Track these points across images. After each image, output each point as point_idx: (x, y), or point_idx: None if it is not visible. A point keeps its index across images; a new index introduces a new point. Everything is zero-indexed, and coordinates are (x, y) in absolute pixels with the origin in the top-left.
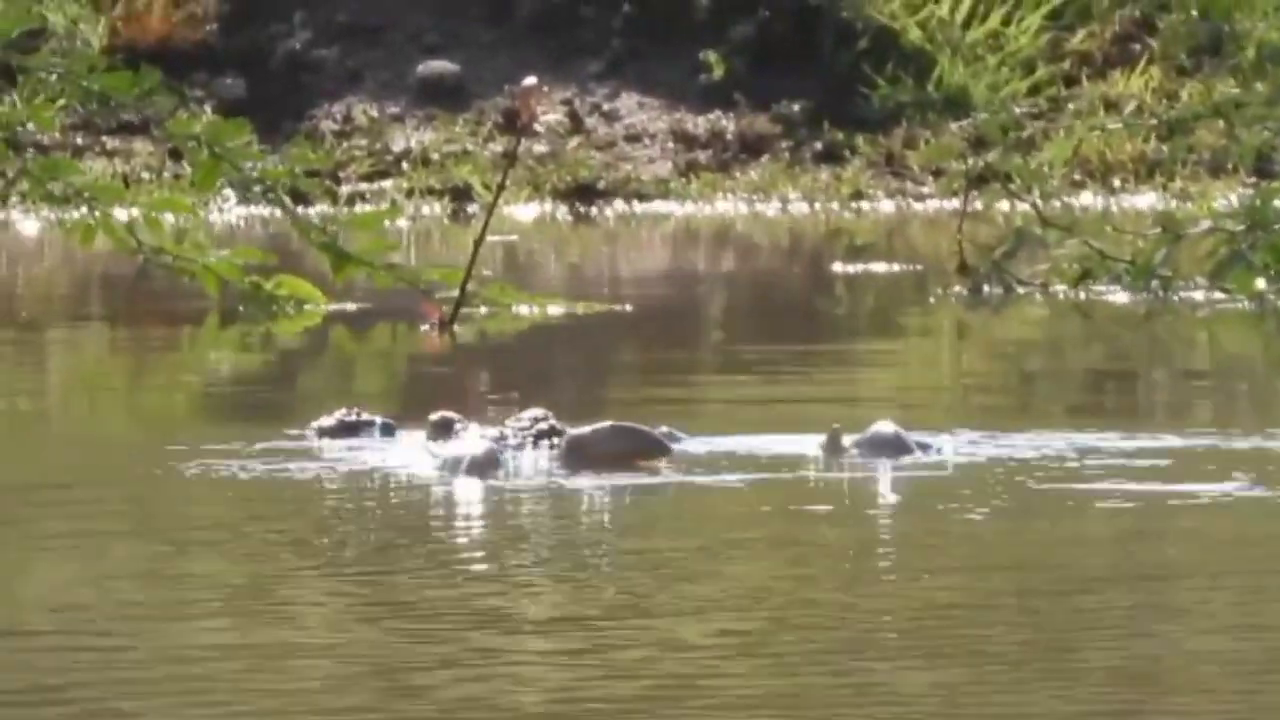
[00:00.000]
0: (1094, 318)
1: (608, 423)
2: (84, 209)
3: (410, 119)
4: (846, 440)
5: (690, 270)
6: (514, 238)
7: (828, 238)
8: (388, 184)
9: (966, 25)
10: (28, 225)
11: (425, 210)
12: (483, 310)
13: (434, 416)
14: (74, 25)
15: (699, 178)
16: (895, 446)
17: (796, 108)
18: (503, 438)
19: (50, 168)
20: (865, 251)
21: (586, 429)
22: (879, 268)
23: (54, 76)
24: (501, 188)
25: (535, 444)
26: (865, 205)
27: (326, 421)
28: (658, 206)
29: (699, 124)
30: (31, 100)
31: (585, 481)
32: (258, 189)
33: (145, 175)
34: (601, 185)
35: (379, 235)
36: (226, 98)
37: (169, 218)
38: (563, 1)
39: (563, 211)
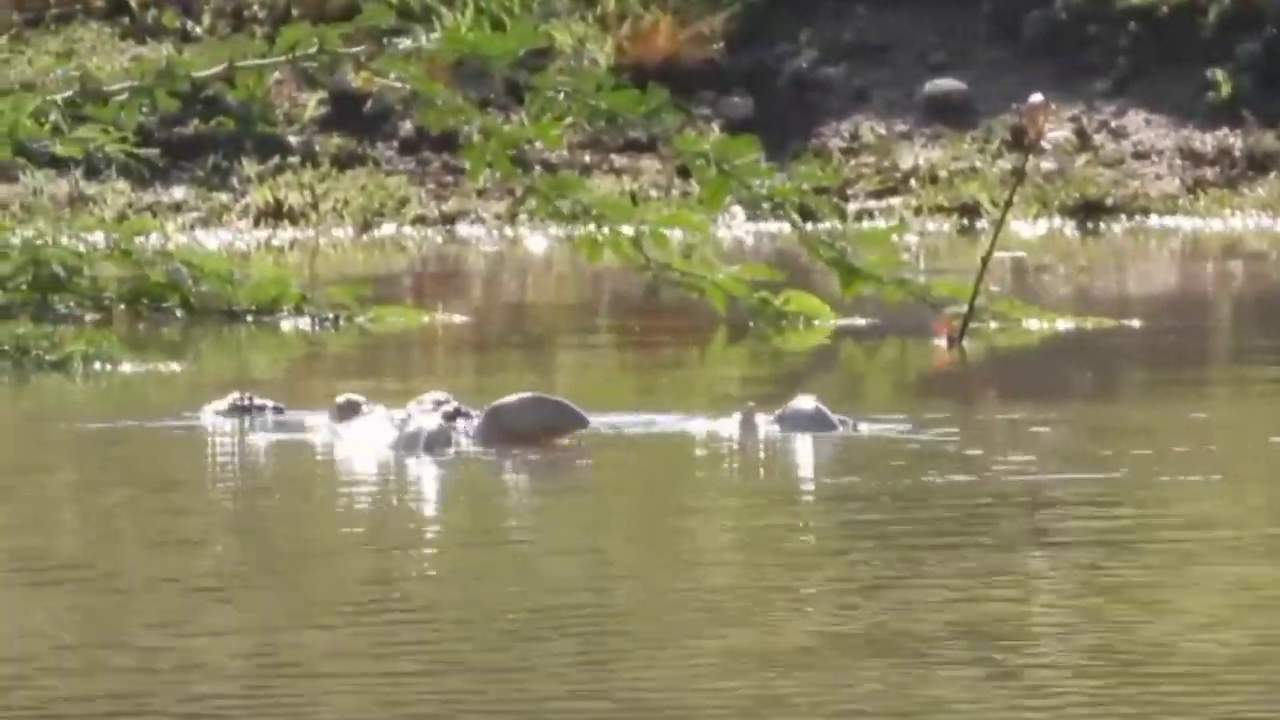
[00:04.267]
0: None
1: (528, 394)
2: (591, 226)
3: (918, 136)
4: (760, 419)
5: (1199, 286)
6: (1022, 254)
7: None
8: (896, 201)
9: None
10: (535, 242)
11: (933, 227)
12: (992, 326)
13: (340, 399)
14: (580, 44)
15: (1206, 194)
16: (816, 422)
17: None
18: (409, 418)
19: (558, 185)
20: None
21: (505, 400)
22: None
23: (561, 95)
24: (1009, 204)
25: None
26: None
27: (220, 405)
28: (1165, 223)
29: (1206, 141)
30: (539, 118)
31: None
32: (766, 206)
33: (653, 193)
34: (1109, 202)
35: (887, 251)
36: (733, 116)
37: (677, 234)
38: (1069, 20)
39: (1070, 228)
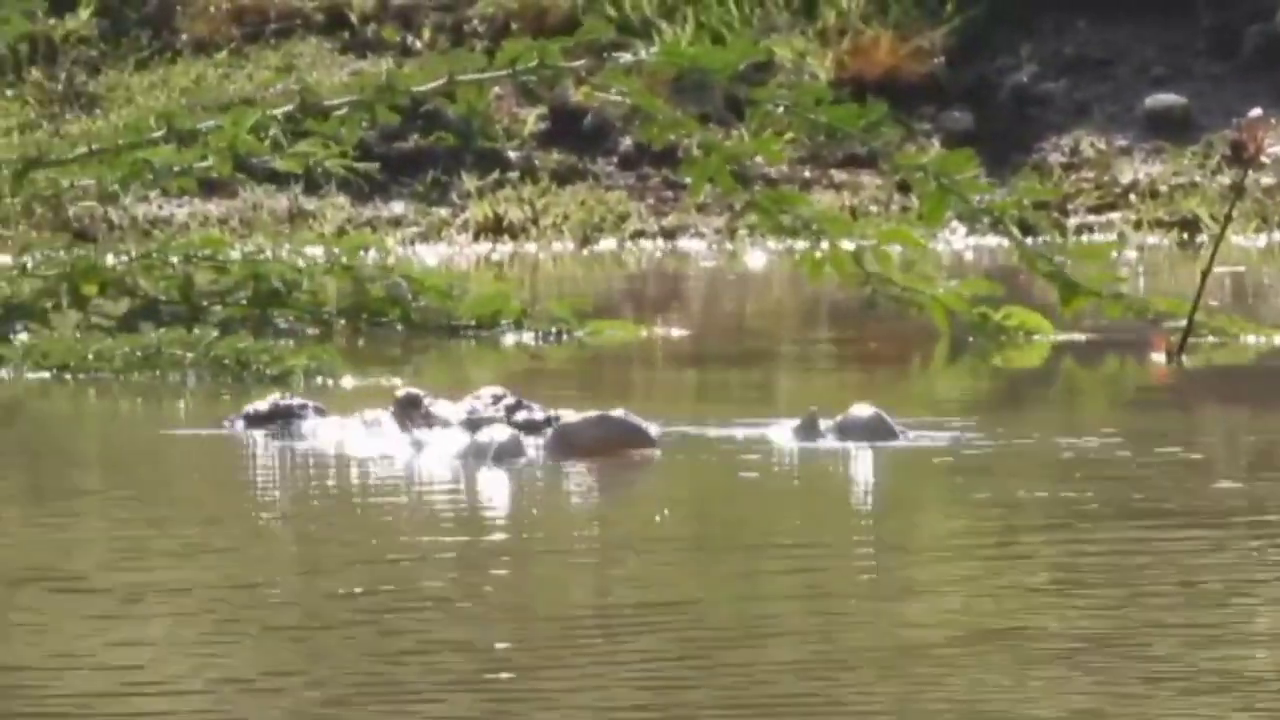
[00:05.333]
0: None
1: (594, 412)
2: (811, 241)
3: (1138, 151)
4: (823, 424)
5: None
6: (1241, 269)
7: None
8: (1115, 216)
9: None
10: (754, 257)
11: (1152, 241)
12: (1210, 340)
13: (400, 394)
14: (801, 58)
15: None
16: (874, 430)
17: None
18: (473, 412)
19: (778, 200)
20: None
21: (574, 418)
22: None
23: (781, 109)
24: (1229, 219)
25: (508, 419)
26: None
27: (260, 406)
28: None
29: None
30: (759, 133)
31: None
32: (986, 221)
33: (873, 208)
34: None
35: (1106, 266)
36: (954, 130)
37: (897, 249)
38: None
39: None
